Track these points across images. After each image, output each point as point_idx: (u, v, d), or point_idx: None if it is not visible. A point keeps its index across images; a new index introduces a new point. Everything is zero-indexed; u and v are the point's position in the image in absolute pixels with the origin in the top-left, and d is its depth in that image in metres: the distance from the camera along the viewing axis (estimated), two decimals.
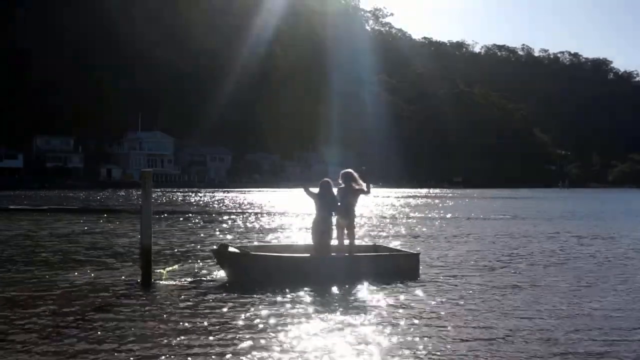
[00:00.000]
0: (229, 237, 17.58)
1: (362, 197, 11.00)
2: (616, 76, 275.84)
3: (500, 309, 8.32)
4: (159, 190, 67.74)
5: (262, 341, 6.51)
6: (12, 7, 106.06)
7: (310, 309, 8.07)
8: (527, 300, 8.96)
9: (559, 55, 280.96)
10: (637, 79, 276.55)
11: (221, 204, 40.81)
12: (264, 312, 7.80)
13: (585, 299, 9.22)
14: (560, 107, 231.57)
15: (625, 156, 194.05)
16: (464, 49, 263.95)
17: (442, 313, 7.96)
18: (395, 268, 10.72)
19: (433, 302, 8.62)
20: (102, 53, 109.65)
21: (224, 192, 74.92)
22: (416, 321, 7.49)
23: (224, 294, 8.93)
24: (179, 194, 63.12)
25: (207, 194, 65.44)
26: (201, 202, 43.80)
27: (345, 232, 10.73)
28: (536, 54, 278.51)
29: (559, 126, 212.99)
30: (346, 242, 10.79)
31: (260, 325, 7.16)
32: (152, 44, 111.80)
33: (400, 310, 8.08)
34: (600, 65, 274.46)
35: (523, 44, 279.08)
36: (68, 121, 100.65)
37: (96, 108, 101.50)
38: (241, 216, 27.95)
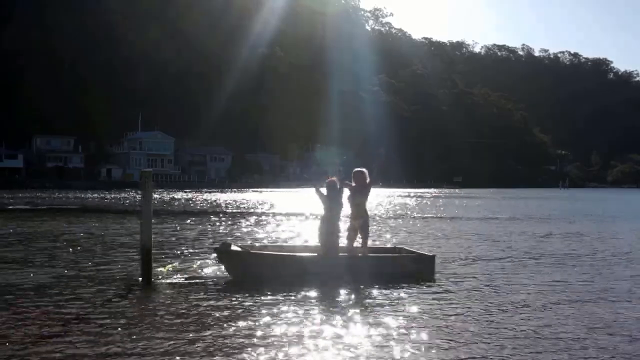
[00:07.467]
0: (230, 236, 17.54)
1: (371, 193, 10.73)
2: (616, 76, 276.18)
3: (520, 315, 7.97)
4: (159, 190, 67.76)
5: (263, 341, 6.47)
6: (10, 7, 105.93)
7: (312, 310, 7.99)
8: (545, 304, 8.53)
9: (559, 55, 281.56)
10: (637, 79, 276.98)
11: (222, 204, 40.75)
12: (265, 312, 7.75)
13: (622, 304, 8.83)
14: (560, 107, 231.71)
15: (625, 156, 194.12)
16: (464, 49, 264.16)
17: (456, 319, 7.64)
18: (408, 270, 10.37)
19: (446, 307, 8.27)
20: (102, 53, 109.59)
21: (224, 192, 74.87)
22: (424, 327, 7.21)
23: (225, 293, 8.90)
24: (179, 194, 63.07)
25: (208, 194, 65.39)
26: (202, 202, 43.76)
27: (359, 233, 10.46)
28: (536, 54, 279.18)
29: (559, 126, 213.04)
30: (358, 243, 10.54)
31: (261, 325, 7.11)
32: (152, 44, 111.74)
33: (408, 314, 7.83)
34: (600, 65, 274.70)
35: (523, 44, 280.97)
36: (68, 121, 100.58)
37: (96, 108, 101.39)
38: (242, 216, 27.90)
